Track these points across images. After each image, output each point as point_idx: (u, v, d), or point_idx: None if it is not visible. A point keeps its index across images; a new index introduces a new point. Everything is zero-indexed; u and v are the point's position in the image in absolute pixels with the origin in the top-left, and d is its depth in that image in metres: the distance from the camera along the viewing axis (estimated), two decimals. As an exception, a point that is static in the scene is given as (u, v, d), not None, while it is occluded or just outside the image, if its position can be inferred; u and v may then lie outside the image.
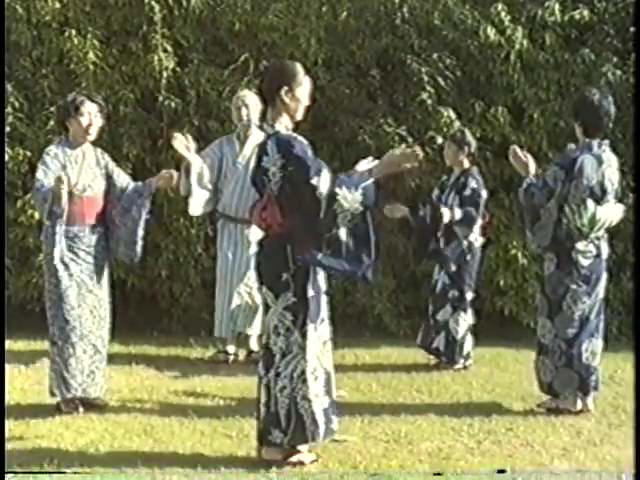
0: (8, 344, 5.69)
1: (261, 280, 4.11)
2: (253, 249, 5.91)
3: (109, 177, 4.93)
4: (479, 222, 5.93)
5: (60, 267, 4.70)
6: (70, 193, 4.68)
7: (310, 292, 3.97)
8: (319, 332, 4.03)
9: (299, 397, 3.98)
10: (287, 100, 3.98)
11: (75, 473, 4.01)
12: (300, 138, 3.99)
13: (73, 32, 7.00)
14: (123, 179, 4.98)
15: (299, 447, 4.08)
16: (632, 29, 6.79)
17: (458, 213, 5.84)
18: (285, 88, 3.97)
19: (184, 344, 6.37)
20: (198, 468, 4.07)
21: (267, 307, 4.07)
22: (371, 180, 3.92)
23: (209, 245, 6.83)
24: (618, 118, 6.73)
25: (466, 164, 5.98)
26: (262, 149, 4.02)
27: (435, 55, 6.93)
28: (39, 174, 4.72)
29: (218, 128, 6.92)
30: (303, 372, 3.97)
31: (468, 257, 5.90)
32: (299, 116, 4.07)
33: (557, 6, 6.90)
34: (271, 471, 4.04)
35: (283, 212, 3.94)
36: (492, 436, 4.58)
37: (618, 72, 6.73)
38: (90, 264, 4.82)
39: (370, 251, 3.96)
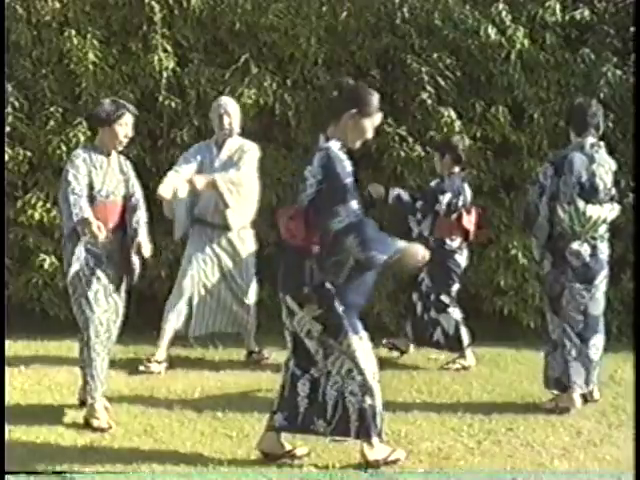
0: (8, 344, 5.70)
1: (281, 287, 4.11)
2: (227, 252, 5.99)
3: (127, 183, 4.90)
4: (426, 219, 5.96)
5: (87, 272, 4.67)
6: (94, 198, 4.69)
7: (340, 307, 3.98)
8: (364, 339, 4.07)
9: (347, 392, 4.01)
10: (350, 124, 3.98)
11: (75, 473, 4.02)
12: (347, 162, 3.96)
13: (73, 32, 7.00)
14: (136, 190, 4.93)
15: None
16: (632, 29, 6.78)
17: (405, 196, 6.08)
18: (354, 111, 3.97)
19: (184, 344, 6.36)
20: (198, 468, 4.08)
21: (289, 311, 4.07)
22: (385, 256, 3.87)
23: (209, 245, 6.82)
24: (618, 118, 6.77)
25: (454, 169, 6.01)
26: (309, 159, 4.02)
27: (435, 55, 6.92)
28: (70, 177, 4.64)
29: (218, 128, 6.92)
30: (350, 370, 4.01)
31: (445, 260, 5.92)
32: (355, 145, 4.06)
33: (558, 6, 6.90)
34: (271, 471, 4.05)
35: (308, 226, 3.94)
36: (492, 436, 4.59)
37: (618, 72, 6.72)
38: (112, 267, 4.78)
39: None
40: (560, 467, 4.18)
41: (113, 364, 5.38)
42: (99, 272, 4.70)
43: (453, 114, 6.79)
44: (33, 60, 7.19)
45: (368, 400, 4.02)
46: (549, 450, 4.38)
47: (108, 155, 4.80)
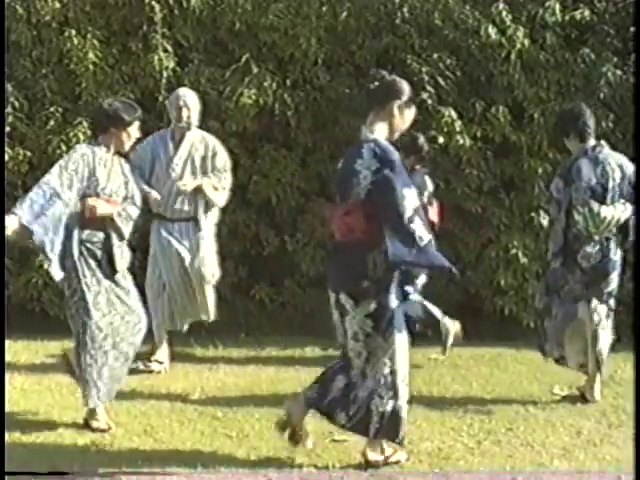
0: (8, 344, 5.69)
1: (336, 285, 4.09)
2: (188, 242, 5.96)
3: (126, 185, 4.85)
4: None
5: (87, 274, 4.60)
6: (97, 195, 4.63)
7: (394, 302, 4.02)
8: (405, 340, 4.10)
9: (375, 394, 4.03)
10: (396, 113, 4.06)
11: (75, 473, 4.02)
12: (395, 151, 4.02)
13: (73, 32, 7.00)
14: (134, 192, 4.88)
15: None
16: (632, 29, 6.78)
17: None
18: (398, 102, 4.05)
19: (184, 344, 6.37)
20: (198, 468, 4.08)
21: (341, 310, 4.05)
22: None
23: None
24: (618, 118, 6.77)
25: (416, 167, 6.02)
26: (356, 152, 4.02)
27: (435, 55, 6.91)
28: (54, 169, 4.54)
29: (218, 128, 6.92)
30: (385, 374, 4.02)
31: None
32: (395, 136, 4.12)
33: (558, 6, 6.89)
34: (271, 471, 4.05)
35: (368, 219, 3.94)
36: (492, 436, 4.59)
37: (618, 72, 6.72)
38: (111, 267, 4.68)
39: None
40: (560, 467, 4.18)
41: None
42: (99, 273, 4.66)
43: (453, 114, 6.78)
44: (33, 60, 7.19)
45: (391, 403, 4.03)
46: (549, 450, 4.39)
47: (110, 153, 4.80)
